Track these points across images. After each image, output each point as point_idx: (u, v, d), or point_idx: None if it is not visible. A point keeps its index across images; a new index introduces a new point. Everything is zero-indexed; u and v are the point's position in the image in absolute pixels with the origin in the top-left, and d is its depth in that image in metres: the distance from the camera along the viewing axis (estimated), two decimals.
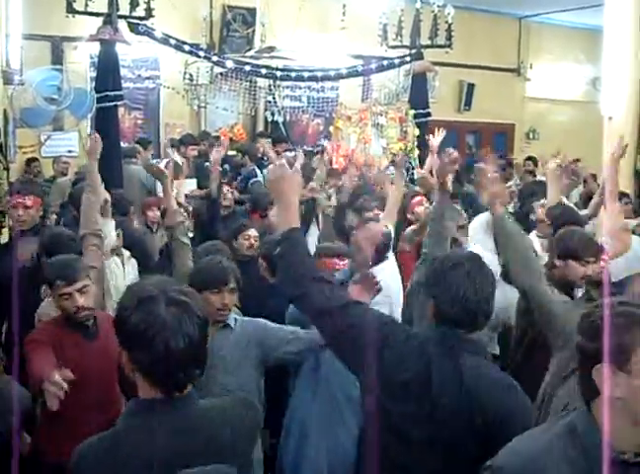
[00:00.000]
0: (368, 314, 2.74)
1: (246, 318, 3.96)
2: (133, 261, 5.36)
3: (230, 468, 1.98)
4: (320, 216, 7.01)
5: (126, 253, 5.30)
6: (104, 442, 2.07)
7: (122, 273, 5.16)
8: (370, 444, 2.67)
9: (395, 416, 2.63)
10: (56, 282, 3.63)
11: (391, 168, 9.42)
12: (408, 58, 10.21)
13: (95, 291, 3.80)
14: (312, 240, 6.05)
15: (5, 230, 5.97)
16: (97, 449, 2.05)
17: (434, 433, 2.56)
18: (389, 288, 4.74)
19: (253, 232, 5.52)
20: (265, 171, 8.64)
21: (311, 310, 2.75)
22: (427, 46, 10.51)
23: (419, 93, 10.50)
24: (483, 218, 5.68)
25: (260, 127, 11.75)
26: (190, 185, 8.01)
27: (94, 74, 9.19)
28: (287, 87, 11.95)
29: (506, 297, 4.40)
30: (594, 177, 9.16)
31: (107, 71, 8.17)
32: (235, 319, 3.81)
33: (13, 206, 5.09)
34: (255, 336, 3.79)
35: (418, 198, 6.36)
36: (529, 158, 12.19)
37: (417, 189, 7.45)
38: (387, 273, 4.82)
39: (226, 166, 8.65)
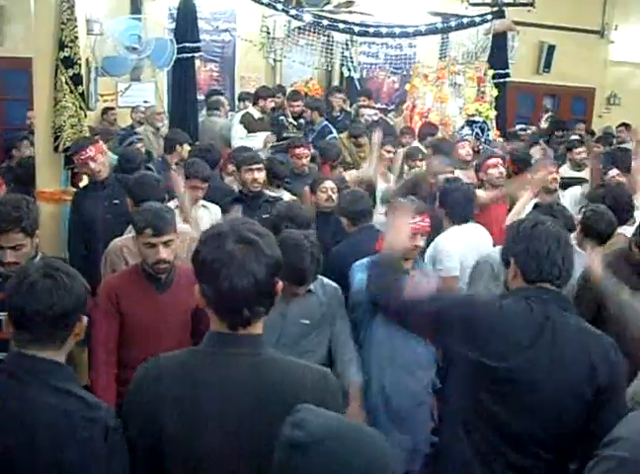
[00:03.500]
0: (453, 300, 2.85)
1: (329, 283, 3.98)
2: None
3: None
4: None
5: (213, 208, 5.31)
6: (162, 361, 2.15)
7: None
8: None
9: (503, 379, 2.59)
10: (145, 231, 3.63)
11: (466, 129, 9.34)
12: (489, 17, 9.97)
13: (177, 245, 3.79)
14: None
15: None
16: (152, 367, 2.13)
17: (549, 394, 2.54)
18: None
19: (330, 184, 5.45)
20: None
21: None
22: (509, 5, 10.27)
23: (499, 53, 10.31)
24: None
25: (335, 83, 11.65)
26: (265, 137, 8.02)
27: (171, 26, 9.24)
28: (364, 43, 11.83)
29: None
30: None
31: (185, 23, 8.22)
32: (320, 282, 3.87)
33: (90, 158, 5.30)
34: (332, 308, 3.92)
35: (493, 160, 6.19)
36: (623, 124, 11.71)
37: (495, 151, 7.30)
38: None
39: (302, 120, 8.60)
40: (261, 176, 5.43)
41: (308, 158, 6.69)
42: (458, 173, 6.50)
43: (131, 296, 3.69)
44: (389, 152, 7.44)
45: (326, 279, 3.99)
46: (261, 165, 5.45)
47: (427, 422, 4.11)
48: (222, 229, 2.08)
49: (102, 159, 5.38)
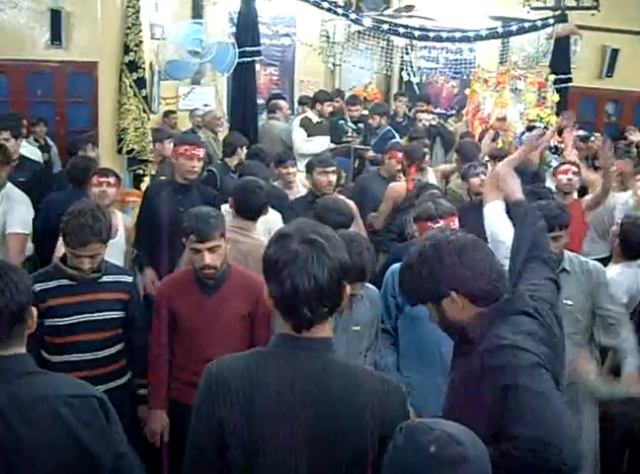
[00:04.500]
0: None
1: (371, 287, 3.96)
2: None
3: None
4: None
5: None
6: (230, 361, 2.16)
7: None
8: None
9: None
10: (190, 236, 3.66)
11: (527, 134, 9.22)
12: (551, 20, 9.85)
13: (225, 251, 3.76)
14: None
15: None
16: (221, 367, 2.14)
17: None
18: None
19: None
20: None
21: None
22: (572, 8, 10.12)
23: (561, 57, 10.16)
24: None
25: (394, 87, 11.64)
26: (324, 141, 8.05)
27: (232, 30, 9.34)
28: (424, 47, 11.79)
29: None
30: None
31: (246, 27, 8.29)
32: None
33: (187, 157, 5.13)
34: (375, 311, 3.89)
35: (565, 167, 6.11)
36: None
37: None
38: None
39: (360, 125, 8.62)
40: (334, 178, 5.43)
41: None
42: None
43: (182, 298, 3.74)
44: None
45: (369, 284, 3.93)
46: (334, 167, 5.43)
47: None
48: (289, 230, 2.10)
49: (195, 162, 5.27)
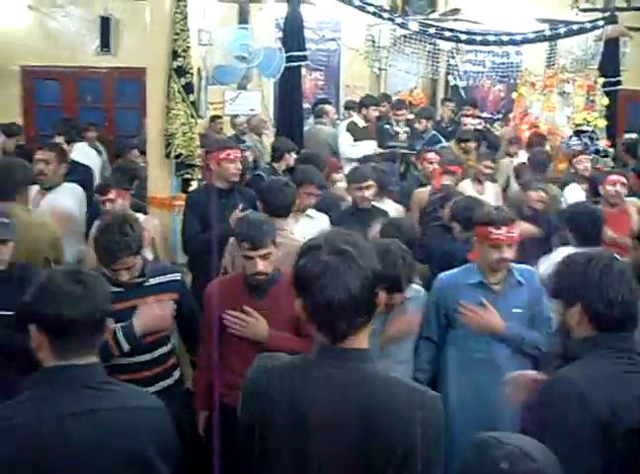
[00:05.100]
0: None
1: (418, 289, 3.99)
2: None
3: None
4: None
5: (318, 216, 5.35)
6: (273, 363, 2.18)
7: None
8: None
9: None
10: (242, 243, 3.66)
11: (574, 139, 9.11)
12: (600, 22, 9.72)
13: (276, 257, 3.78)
14: None
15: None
16: (262, 369, 2.17)
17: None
18: None
19: None
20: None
21: None
22: (621, 9, 9.97)
23: (610, 60, 10.02)
24: None
25: (440, 92, 11.60)
26: (370, 145, 8.05)
27: (278, 35, 9.39)
28: (470, 51, 11.73)
29: None
30: None
31: (292, 32, 8.34)
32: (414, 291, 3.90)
33: (230, 160, 5.26)
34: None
35: (614, 177, 5.99)
36: None
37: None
38: None
39: (407, 128, 8.61)
40: (371, 193, 5.38)
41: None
42: (575, 186, 6.39)
43: (231, 302, 3.73)
44: (488, 167, 7.24)
45: (414, 285, 3.97)
46: (370, 182, 5.40)
47: None
48: (318, 241, 2.07)
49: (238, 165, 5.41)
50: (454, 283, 3.95)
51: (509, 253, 3.79)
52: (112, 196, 5.08)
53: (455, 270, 4.03)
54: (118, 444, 2.12)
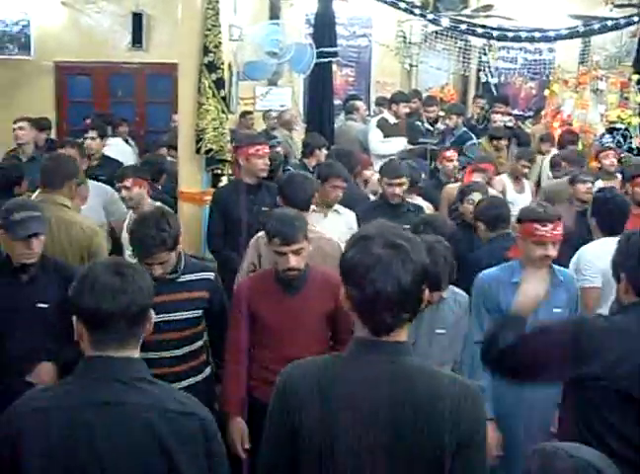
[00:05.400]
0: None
1: (461, 293, 3.92)
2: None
3: None
4: None
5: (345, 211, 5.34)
6: (307, 365, 2.16)
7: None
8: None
9: None
10: (274, 239, 3.64)
11: (607, 136, 9.01)
12: (635, 18, 9.58)
13: (308, 252, 3.76)
14: None
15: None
16: (299, 370, 2.15)
17: None
18: None
19: (477, 196, 5.31)
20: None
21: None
22: None
23: None
24: None
25: (471, 88, 11.54)
26: (400, 142, 8.03)
27: (309, 31, 9.39)
28: (502, 48, 11.64)
29: None
30: None
31: (323, 28, 8.31)
32: (452, 290, 3.83)
33: (259, 156, 5.28)
34: (464, 319, 3.87)
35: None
36: None
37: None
38: None
39: (438, 125, 8.58)
40: (402, 189, 5.37)
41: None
42: (600, 184, 6.31)
43: (263, 298, 3.74)
44: (525, 167, 7.15)
45: (457, 289, 3.92)
46: (403, 178, 5.37)
47: None
48: (370, 232, 2.07)
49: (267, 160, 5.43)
50: (497, 282, 3.90)
51: (553, 250, 3.78)
52: (127, 183, 5.17)
53: (496, 268, 3.98)
54: (137, 442, 2.11)
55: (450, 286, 3.83)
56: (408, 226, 4.25)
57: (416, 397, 2.01)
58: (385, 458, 2.00)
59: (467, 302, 3.94)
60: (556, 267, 3.93)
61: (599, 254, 4.47)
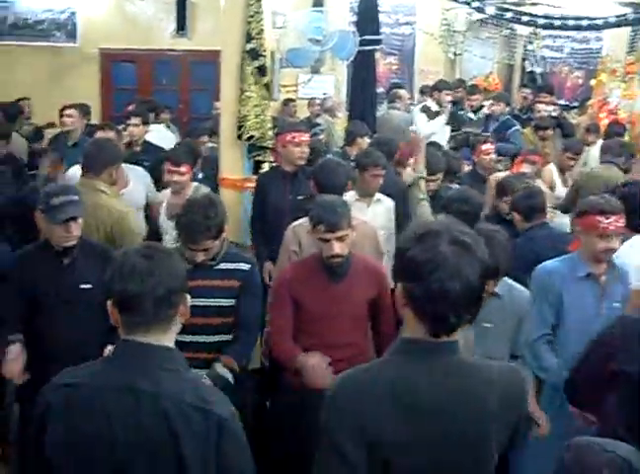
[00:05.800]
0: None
1: (519, 289, 3.82)
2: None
3: None
4: None
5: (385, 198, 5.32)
6: (363, 374, 2.08)
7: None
8: None
9: None
10: (318, 226, 3.64)
11: None
12: None
13: (351, 239, 3.73)
14: None
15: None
16: (355, 381, 2.07)
17: None
18: None
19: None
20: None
21: None
22: None
23: None
24: None
25: (516, 78, 11.40)
26: (440, 121, 7.99)
27: (352, 19, 9.34)
28: (549, 36, 11.49)
29: None
30: None
31: (366, 16, 8.27)
32: (509, 286, 3.73)
33: (296, 144, 5.33)
34: (520, 313, 3.74)
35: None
36: None
37: None
38: None
39: (481, 114, 8.50)
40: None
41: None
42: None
43: (306, 285, 3.74)
44: (572, 159, 7.03)
45: (516, 284, 3.80)
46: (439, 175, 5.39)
47: None
48: (435, 228, 1.99)
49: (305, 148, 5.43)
50: (561, 275, 3.82)
51: (615, 243, 3.72)
52: (184, 169, 5.20)
53: (556, 261, 3.89)
54: (149, 428, 2.09)
55: (510, 282, 3.74)
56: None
57: (473, 395, 1.99)
58: (449, 458, 1.97)
59: (524, 297, 3.79)
60: (615, 260, 3.85)
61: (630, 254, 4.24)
